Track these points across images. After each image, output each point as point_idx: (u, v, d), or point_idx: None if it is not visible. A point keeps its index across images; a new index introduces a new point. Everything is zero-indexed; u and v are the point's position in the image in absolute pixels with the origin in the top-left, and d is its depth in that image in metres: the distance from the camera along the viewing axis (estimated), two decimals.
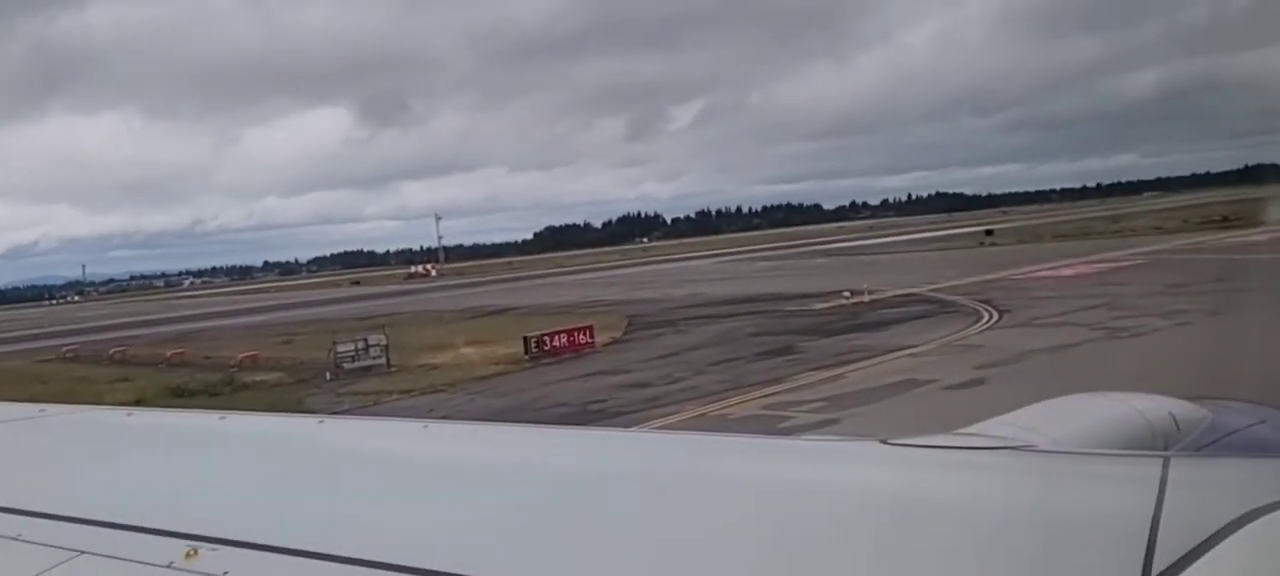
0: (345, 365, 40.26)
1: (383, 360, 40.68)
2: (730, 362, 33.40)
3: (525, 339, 39.93)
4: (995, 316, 38.78)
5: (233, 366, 44.08)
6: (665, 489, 2.65)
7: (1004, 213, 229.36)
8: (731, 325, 44.63)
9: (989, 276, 56.57)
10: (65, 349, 60.94)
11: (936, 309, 43.95)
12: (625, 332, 46.67)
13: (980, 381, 25.82)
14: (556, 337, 40.70)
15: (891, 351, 32.09)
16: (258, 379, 40.43)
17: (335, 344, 41.41)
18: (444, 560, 2.06)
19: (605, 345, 41.84)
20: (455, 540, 2.29)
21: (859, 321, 41.64)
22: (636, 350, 39.81)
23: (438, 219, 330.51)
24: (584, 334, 41.90)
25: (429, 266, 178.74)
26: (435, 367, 39.17)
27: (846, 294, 51.65)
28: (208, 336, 64.31)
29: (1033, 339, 31.46)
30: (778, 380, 29.00)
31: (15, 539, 2.41)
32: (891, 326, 38.71)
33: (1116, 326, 33.34)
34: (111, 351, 55.67)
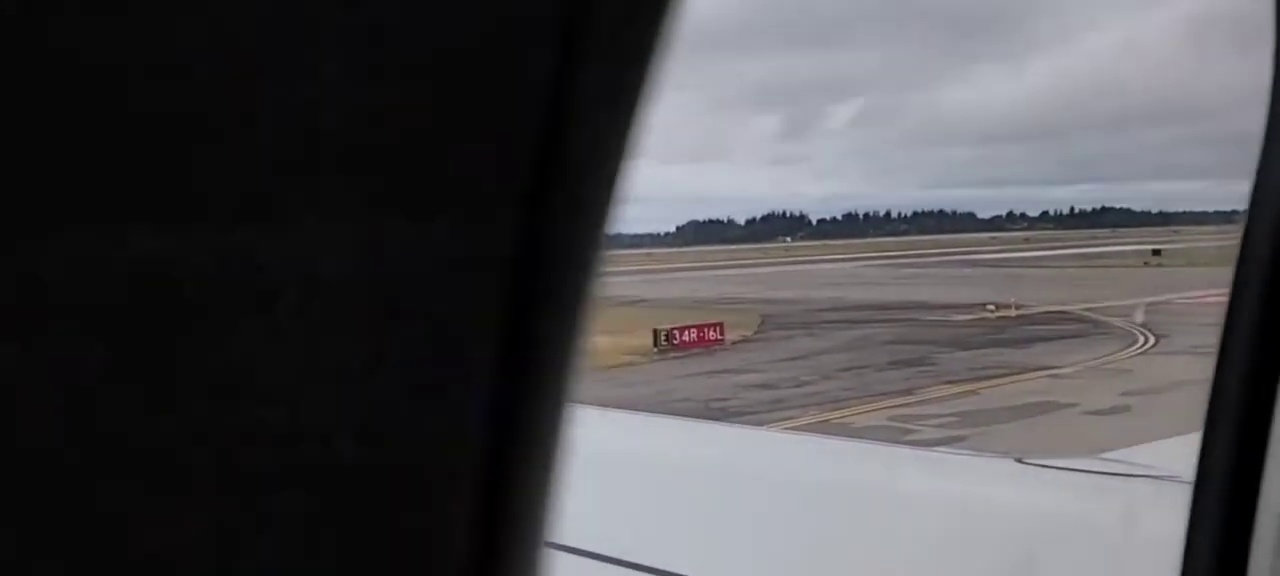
0: None
1: None
2: (860, 370, 32.64)
3: (655, 332, 40.13)
4: (1151, 341, 36.50)
5: None
6: (799, 490, 2.78)
7: (1175, 232, 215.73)
8: (867, 331, 43.63)
9: (1151, 298, 53.27)
10: None
11: (1088, 328, 41.72)
12: (757, 331, 46.27)
13: (1125, 409, 24.34)
14: (686, 332, 40.73)
15: (1032, 370, 30.64)
16: None
17: None
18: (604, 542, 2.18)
19: (735, 343, 41.60)
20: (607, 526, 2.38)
21: (1002, 337, 39.96)
22: (766, 350, 39.41)
23: None
24: (714, 330, 41.78)
25: None
26: None
27: (991, 307, 49.67)
28: None
29: (1190, 368, 29.40)
30: (907, 392, 28.14)
31: None
32: (1036, 344, 36.96)
33: None
34: None
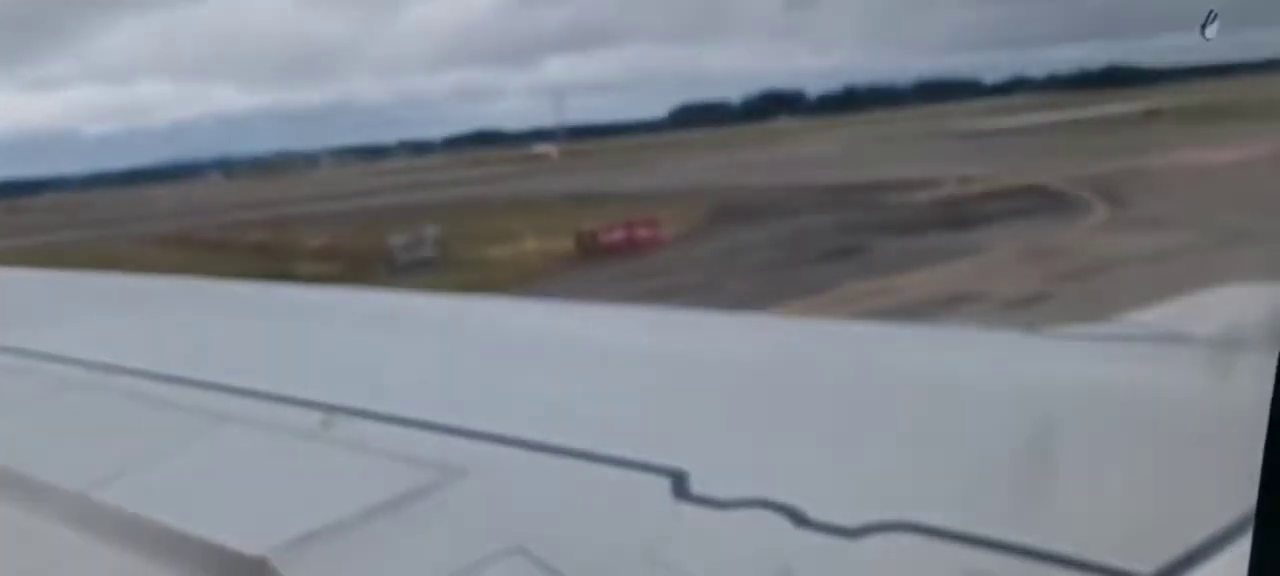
0: (400, 258, 39.34)
1: (434, 254, 39.53)
2: (784, 266, 30.28)
3: (579, 235, 37.75)
4: (1106, 213, 33.89)
5: (303, 255, 43.89)
6: (808, 374, 2.89)
7: (1185, 87, 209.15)
8: (813, 220, 41.06)
9: (1129, 163, 50.30)
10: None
11: (1049, 203, 39.07)
12: (702, 222, 43.76)
13: (1045, 297, 21.92)
14: (615, 232, 38.30)
15: (961, 255, 28.16)
16: (315, 270, 39.90)
17: (392, 237, 40.53)
18: (572, 434, 2.19)
19: (677, 238, 39.21)
20: (583, 416, 2.46)
21: (952, 216, 37.37)
22: (703, 246, 37.03)
23: (559, 96, 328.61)
24: (646, 227, 39.31)
25: (551, 148, 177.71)
26: (489, 263, 37.64)
27: (953, 183, 46.93)
28: (305, 221, 64.96)
29: (1133, 241, 26.87)
30: (820, 290, 25.77)
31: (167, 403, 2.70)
32: (982, 225, 34.39)
33: (1244, 229, 28.12)
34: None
